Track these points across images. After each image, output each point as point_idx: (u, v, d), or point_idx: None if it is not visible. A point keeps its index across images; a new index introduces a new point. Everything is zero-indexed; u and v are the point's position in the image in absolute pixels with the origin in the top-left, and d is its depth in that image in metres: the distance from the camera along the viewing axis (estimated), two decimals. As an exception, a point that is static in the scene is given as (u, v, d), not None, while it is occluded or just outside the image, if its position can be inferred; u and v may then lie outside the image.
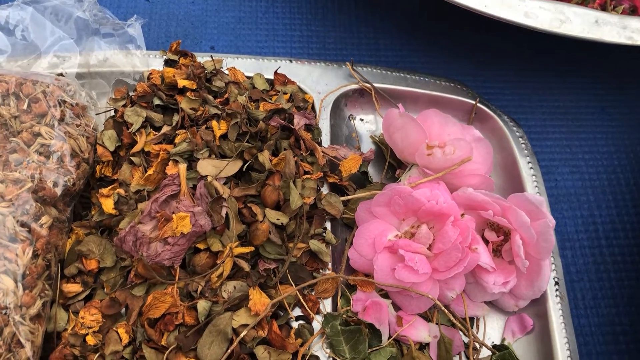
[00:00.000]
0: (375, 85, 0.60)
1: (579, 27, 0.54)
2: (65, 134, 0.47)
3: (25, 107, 0.47)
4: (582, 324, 0.54)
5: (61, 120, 0.48)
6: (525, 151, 0.57)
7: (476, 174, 0.52)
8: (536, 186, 0.56)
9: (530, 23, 0.54)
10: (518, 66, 0.68)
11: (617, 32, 0.54)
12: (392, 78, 0.61)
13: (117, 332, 0.43)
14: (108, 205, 0.47)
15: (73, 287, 0.45)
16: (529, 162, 0.57)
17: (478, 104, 0.59)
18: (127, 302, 0.44)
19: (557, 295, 0.51)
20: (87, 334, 0.43)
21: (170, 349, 0.42)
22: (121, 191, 0.47)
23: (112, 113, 0.53)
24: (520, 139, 0.58)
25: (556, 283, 0.51)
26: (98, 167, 0.50)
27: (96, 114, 0.52)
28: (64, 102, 0.49)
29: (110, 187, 0.48)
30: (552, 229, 0.48)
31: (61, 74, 0.53)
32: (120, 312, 0.44)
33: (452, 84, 0.61)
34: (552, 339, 0.49)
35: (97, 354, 0.42)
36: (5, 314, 0.39)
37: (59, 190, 0.45)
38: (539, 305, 0.51)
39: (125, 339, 0.43)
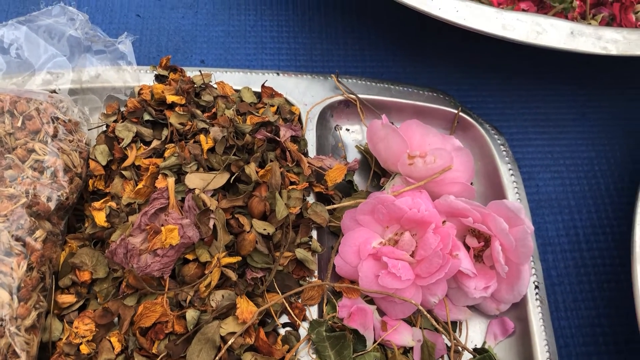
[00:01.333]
0: (360, 96, 0.61)
1: (555, 39, 0.56)
2: (59, 149, 0.49)
3: (19, 124, 0.49)
4: (562, 326, 0.56)
5: (54, 136, 0.50)
6: (507, 158, 0.59)
7: (457, 182, 0.53)
8: (517, 192, 0.57)
9: (508, 35, 0.55)
10: (501, 75, 0.69)
11: (592, 42, 0.56)
12: (376, 89, 0.62)
13: (109, 341, 0.44)
14: (100, 218, 0.48)
15: (67, 298, 0.46)
16: (509, 169, 0.58)
17: (460, 113, 0.61)
18: (119, 311, 0.46)
19: (537, 299, 0.52)
20: (81, 343, 0.44)
21: (160, 356, 0.43)
22: (113, 204, 0.49)
23: (104, 128, 0.54)
24: (501, 147, 0.60)
25: (536, 287, 0.53)
26: (91, 181, 0.51)
27: (88, 129, 0.54)
28: (57, 118, 0.51)
29: (102, 201, 0.50)
30: (530, 235, 0.49)
31: (54, 91, 0.54)
32: (113, 322, 0.46)
33: (434, 94, 0.63)
34: (533, 341, 0.50)
35: (91, 363, 0.44)
36: (1, 325, 0.41)
37: (52, 205, 0.46)
38: (519, 308, 0.52)
39: (118, 347, 0.44)
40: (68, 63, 0.57)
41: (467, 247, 0.52)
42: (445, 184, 0.53)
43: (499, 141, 0.60)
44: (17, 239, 0.44)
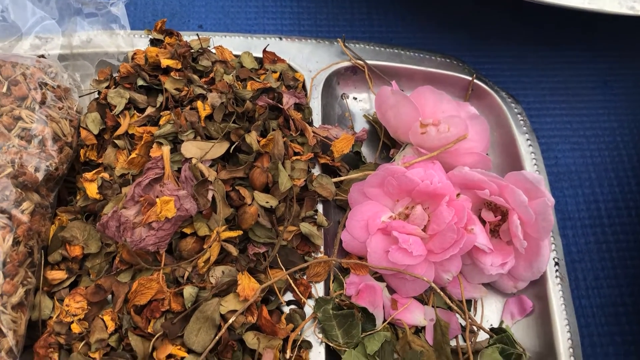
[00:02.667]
0: (369, 62, 0.58)
1: (579, -2, 0.52)
2: (47, 117, 0.46)
3: (4, 90, 0.46)
4: (583, 305, 0.53)
5: (42, 103, 0.46)
6: (524, 128, 0.56)
7: (472, 152, 0.50)
8: (535, 164, 0.54)
9: (528, -6, 0.52)
10: (517, 40, 0.66)
11: (619, 2, 0.52)
12: (385, 54, 0.59)
13: (102, 319, 0.42)
14: (92, 189, 0.45)
15: (57, 274, 0.44)
16: (527, 140, 0.55)
17: (475, 80, 0.57)
18: (112, 288, 0.43)
19: (557, 276, 0.49)
20: (73, 322, 0.42)
21: (156, 336, 0.41)
22: (105, 175, 0.46)
23: (96, 95, 0.51)
24: (518, 116, 0.56)
25: (556, 264, 0.50)
26: (82, 151, 0.48)
27: (79, 97, 0.51)
28: (45, 84, 0.47)
29: (94, 172, 0.47)
30: (551, 208, 0.46)
31: (42, 56, 0.51)
32: (106, 299, 0.43)
33: (448, 60, 0.59)
34: (552, 320, 0.48)
35: (83, 342, 0.41)
36: (-15, 303, 0.38)
37: (40, 176, 0.43)
38: (538, 286, 0.49)
39: (111, 326, 0.42)
40: (57, 27, 0.54)
41: (483, 222, 0.49)
42: (459, 155, 0.50)
43: (515, 110, 0.57)
44: (2, 211, 0.41)
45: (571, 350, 0.46)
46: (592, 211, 0.57)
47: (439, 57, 0.60)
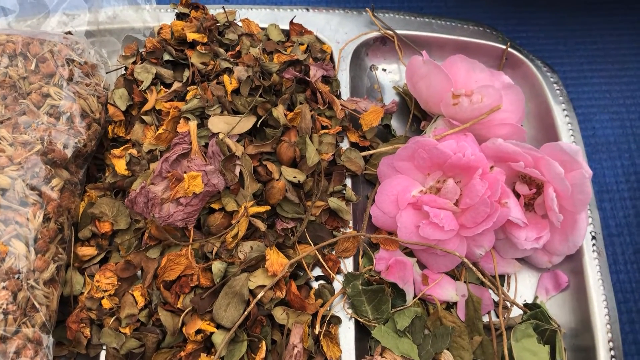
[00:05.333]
0: (398, 32, 0.56)
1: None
2: (75, 93, 0.46)
3: (33, 67, 0.46)
4: (621, 280, 0.51)
5: (70, 79, 0.46)
6: (560, 98, 0.53)
7: (506, 124, 0.48)
8: (572, 135, 0.52)
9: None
10: (553, 7, 0.63)
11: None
12: (416, 24, 0.57)
13: (132, 295, 0.42)
14: (120, 166, 0.46)
15: (87, 251, 0.44)
16: (564, 110, 0.53)
17: (509, 49, 0.55)
18: (142, 264, 0.43)
19: (594, 251, 0.48)
20: (103, 298, 0.42)
21: (186, 311, 0.41)
22: (133, 151, 0.46)
23: (123, 71, 0.51)
24: (554, 85, 0.54)
25: (593, 237, 0.48)
26: (110, 128, 0.48)
27: (107, 73, 0.51)
28: (72, 61, 0.47)
29: (122, 148, 0.47)
30: (588, 180, 0.44)
31: (69, 32, 0.51)
32: (136, 275, 0.44)
33: (481, 29, 0.57)
34: (589, 296, 0.46)
35: (114, 318, 0.42)
36: (18, 278, 0.38)
37: (69, 152, 0.44)
38: (574, 261, 0.48)
39: (141, 302, 0.42)
40: (84, 3, 0.53)
41: (517, 195, 0.48)
42: (492, 126, 0.48)
43: (551, 79, 0.54)
44: (32, 188, 0.41)
45: (608, 326, 0.45)
46: (631, 183, 0.55)
47: (472, 26, 0.57)
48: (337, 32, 0.56)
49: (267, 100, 0.46)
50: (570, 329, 0.47)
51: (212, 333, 0.40)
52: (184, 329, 0.41)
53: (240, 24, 0.54)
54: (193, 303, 0.41)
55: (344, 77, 0.53)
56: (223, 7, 0.54)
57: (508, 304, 0.46)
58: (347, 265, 0.46)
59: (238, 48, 0.50)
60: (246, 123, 0.45)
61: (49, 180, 0.42)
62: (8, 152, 0.41)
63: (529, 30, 0.62)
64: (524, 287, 0.49)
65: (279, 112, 0.45)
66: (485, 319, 0.46)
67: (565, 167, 0.45)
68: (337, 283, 0.45)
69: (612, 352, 0.44)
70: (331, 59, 0.54)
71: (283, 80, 0.48)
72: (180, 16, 0.53)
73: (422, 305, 0.46)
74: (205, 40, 0.49)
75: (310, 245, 0.45)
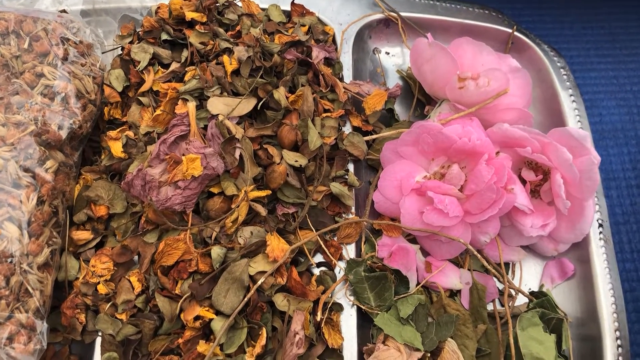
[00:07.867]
0: (402, 14, 0.55)
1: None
2: (70, 73, 0.44)
3: (26, 46, 0.44)
4: (628, 269, 0.50)
5: (65, 59, 0.45)
6: (567, 83, 0.52)
7: (513, 108, 0.47)
8: (579, 121, 0.51)
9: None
10: (560, -10, 0.62)
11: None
12: (420, 6, 0.56)
13: (129, 280, 0.41)
14: (117, 148, 0.44)
15: (83, 235, 0.43)
16: (571, 95, 0.52)
17: (515, 33, 0.54)
18: (139, 249, 0.42)
19: (600, 239, 0.47)
20: (99, 283, 0.41)
21: (184, 297, 0.40)
22: (130, 133, 0.45)
23: (120, 52, 0.49)
24: (561, 70, 0.53)
25: (600, 225, 0.47)
26: (106, 109, 0.47)
27: (102, 53, 0.49)
28: (67, 39, 0.46)
29: (118, 130, 0.45)
30: (596, 167, 0.44)
31: (64, 11, 0.50)
32: (133, 260, 0.43)
33: (486, 12, 0.56)
34: (595, 285, 0.45)
35: (110, 303, 0.41)
36: (11, 262, 0.37)
37: (64, 133, 0.42)
38: (580, 249, 0.47)
39: (138, 287, 0.41)
40: (79, -19, 0.52)
41: (523, 181, 0.47)
42: (499, 111, 0.47)
43: (558, 64, 0.53)
44: (26, 170, 0.40)
45: (615, 315, 0.44)
46: (638, 171, 0.54)
47: (477, 9, 0.56)
48: (340, 13, 0.54)
49: (268, 82, 0.45)
50: (576, 318, 0.46)
51: (211, 319, 0.39)
52: (182, 316, 0.40)
53: (240, 3, 0.52)
54: (191, 289, 0.39)
55: (346, 59, 0.52)
56: (223, -14, 0.53)
57: (513, 292, 0.46)
58: (349, 251, 0.45)
59: (238, 28, 0.48)
60: (246, 105, 0.44)
61: (43, 162, 0.41)
62: (1, 132, 0.40)
63: (535, 14, 0.61)
64: (529, 276, 0.48)
65: (280, 94, 0.44)
66: (490, 307, 0.45)
67: (573, 152, 0.44)
68: (339, 269, 0.44)
69: (619, 342, 0.43)
70: (333, 40, 0.53)
71: (284, 61, 0.46)
72: (178, -5, 0.52)
73: (425, 292, 0.45)
74: (204, 19, 0.48)
75: (312, 230, 0.44)
